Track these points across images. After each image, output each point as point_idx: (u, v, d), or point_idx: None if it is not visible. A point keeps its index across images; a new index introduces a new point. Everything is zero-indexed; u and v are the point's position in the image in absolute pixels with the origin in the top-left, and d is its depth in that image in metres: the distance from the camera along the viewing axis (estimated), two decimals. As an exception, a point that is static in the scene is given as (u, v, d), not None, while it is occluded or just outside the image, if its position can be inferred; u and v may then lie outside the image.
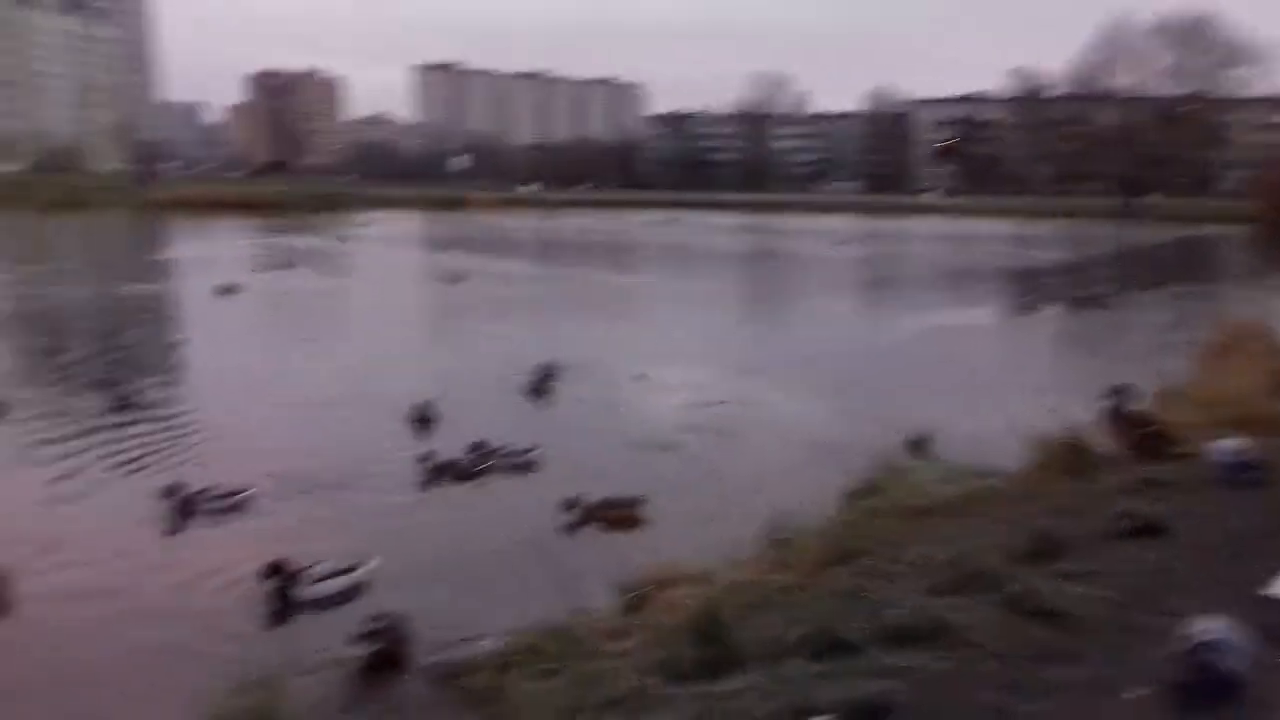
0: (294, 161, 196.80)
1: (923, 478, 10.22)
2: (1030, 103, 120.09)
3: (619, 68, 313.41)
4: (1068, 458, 9.92)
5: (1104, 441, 10.66)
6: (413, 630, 7.17)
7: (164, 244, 51.51)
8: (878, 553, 7.37)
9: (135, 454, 12.54)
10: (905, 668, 5.17)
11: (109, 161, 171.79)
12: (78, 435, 13.38)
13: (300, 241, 51.70)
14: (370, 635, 7.02)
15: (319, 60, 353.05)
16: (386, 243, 56.40)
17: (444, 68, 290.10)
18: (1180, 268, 47.16)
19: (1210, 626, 4.68)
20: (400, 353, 20.91)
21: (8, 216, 65.71)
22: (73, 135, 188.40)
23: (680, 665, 5.71)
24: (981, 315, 27.95)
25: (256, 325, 25.01)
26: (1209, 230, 67.90)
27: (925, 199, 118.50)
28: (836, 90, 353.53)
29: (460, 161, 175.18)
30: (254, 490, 10.70)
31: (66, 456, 12.39)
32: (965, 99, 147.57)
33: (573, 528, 10.20)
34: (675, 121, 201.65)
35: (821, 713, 4.65)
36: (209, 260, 41.03)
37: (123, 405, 14.73)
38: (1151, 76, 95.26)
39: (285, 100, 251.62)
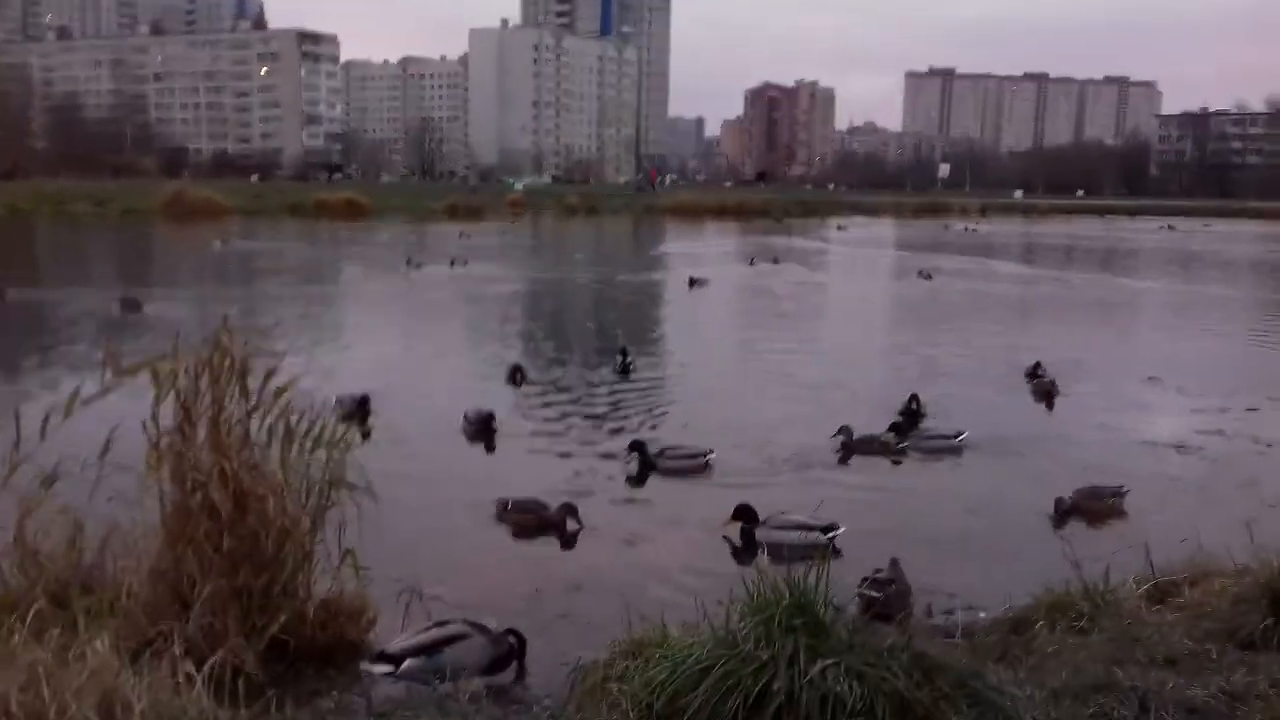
0: (781, 171, 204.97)
1: None
2: None
3: (1130, 66, 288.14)
4: None
5: None
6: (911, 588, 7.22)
7: (660, 242, 56.27)
8: None
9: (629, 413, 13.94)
10: None
11: (624, 172, 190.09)
12: (583, 396, 15.04)
13: (780, 241, 53.85)
14: (875, 584, 7.07)
15: (814, 72, 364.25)
16: (862, 244, 57.17)
17: (934, 74, 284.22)
18: None
19: None
20: (879, 343, 21.00)
21: (539, 219, 75.73)
22: (593, 149, 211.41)
23: (1245, 634, 5.44)
24: None
25: (739, 311, 26.43)
26: None
27: None
28: None
29: (943, 169, 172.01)
30: (713, 453, 11.25)
31: (566, 416, 13.89)
32: None
33: (1062, 515, 9.53)
34: (1193, 122, 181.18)
35: None
36: (697, 256, 45.09)
37: (623, 371, 16.36)
38: None
39: (777, 113, 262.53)
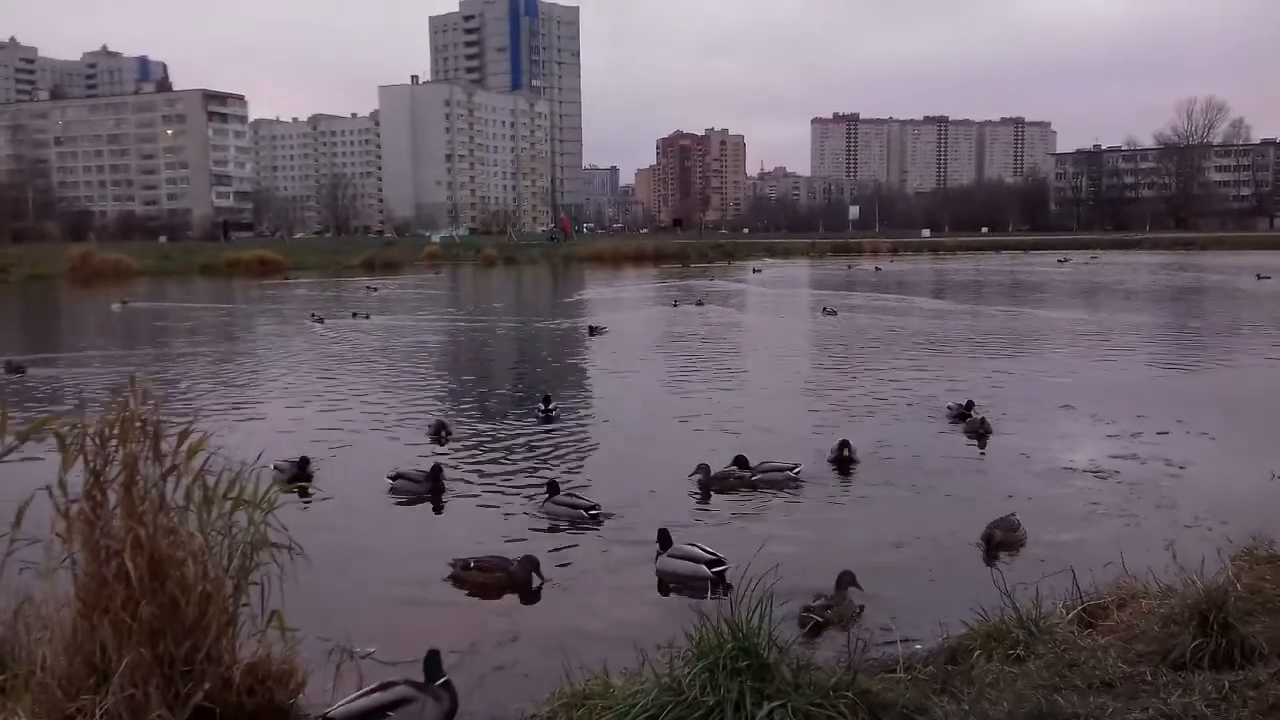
0: (696, 217, 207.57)
1: None
2: None
3: (1025, 108, 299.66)
4: None
5: None
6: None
7: (580, 289, 56.44)
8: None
9: (545, 457, 13.81)
10: None
11: (541, 222, 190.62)
12: (509, 447, 14.91)
13: (700, 284, 54.52)
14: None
15: (724, 120, 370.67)
16: (779, 284, 58.09)
17: (839, 119, 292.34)
18: None
19: None
20: (803, 381, 21.14)
21: (456, 271, 75.41)
22: (509, 200, 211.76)
23: (1176, 655, 5.52)
24: None
25: (663, 354, 26.50)
26: None
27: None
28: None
29: (853, 211, 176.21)
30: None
31: (494, 466, 13.79)
32: None
33: (992, 546, 9.52)
34: (1087, 159, 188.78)
35: None
36: (618, 300, 46.14)
37: (546, 419, 16.26)
38: None
39: (689, 161, 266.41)
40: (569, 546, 9.86)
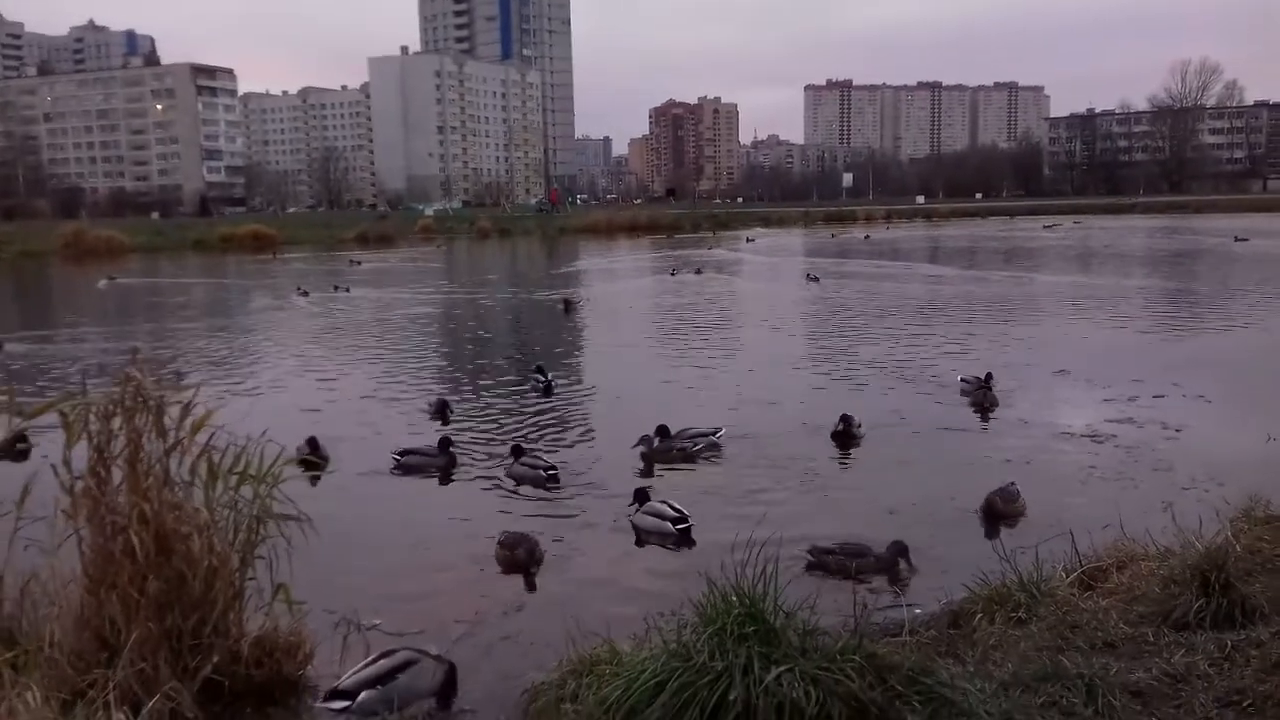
0: (690, 186, 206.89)
1: None
2: None
3: (1018, 72, 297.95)
4: None
5: None
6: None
7: (575, 260, 56.34)
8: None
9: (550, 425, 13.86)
10: None
11: (534, 193, 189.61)
12: (509, 422, 14.92)
13: (695, 254, 54.42)
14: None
15: (717, 89, 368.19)
16: (774, 252, 58.05)
17: (833, 86, 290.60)
18: None
19: None
20: (804, 349, 21.15)
21: (451, 244, 75.18)
22: (501, 172, 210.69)
23: (1178, 616, 5.60)
24: None
25: (663, 323, 26.49)
26: None
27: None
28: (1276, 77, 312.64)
29: (847, 178, 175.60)
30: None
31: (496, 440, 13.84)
32: None
33: (989, 516, 9.49)
34: (1081, 123, 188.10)
35: None
36: (614, 271, 46.32)
37: (545, 391, 16.21)
38: None
39: (682, 130, 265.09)
40: (574, 515, 9.93)
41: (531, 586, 8.02)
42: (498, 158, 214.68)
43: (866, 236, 70.80)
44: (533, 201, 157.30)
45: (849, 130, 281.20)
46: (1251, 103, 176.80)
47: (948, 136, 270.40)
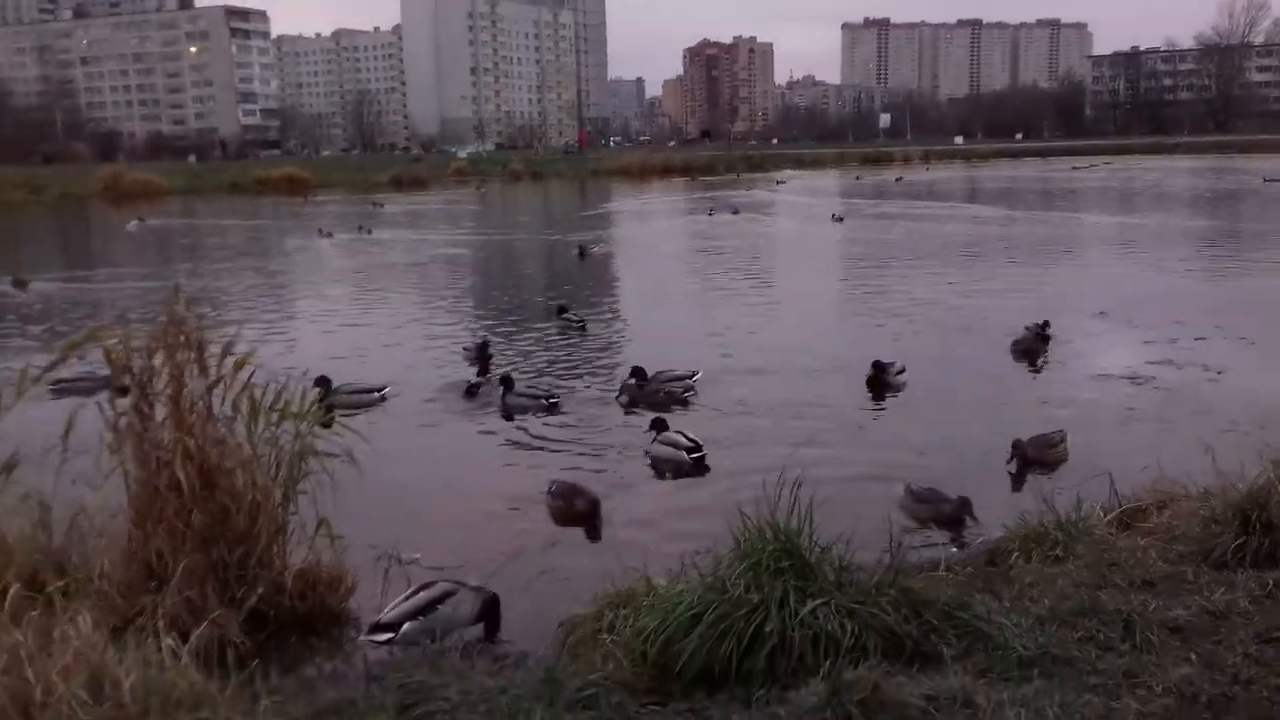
0: (724, 128, 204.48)
1: None
2: None
3: (1060, 8, 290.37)
4: None
5: None
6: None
7: (602, 202, 56.11)
8: None
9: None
10: None
11: (567, 136, 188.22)
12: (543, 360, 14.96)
13: (732, 195, 53.96)
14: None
15: (752, 28, 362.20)
16: (811, 194, 57.44)
17: (870, 24, 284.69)
18: None
19: None
20: (839, 292, 21.01)
21: (484, 186, 75.00)
22: (535, 115, 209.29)
23: (1218, 555, 5.59)
24: None
25: (702, 264, 26.40)
26: None
27: None
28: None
29: (884, 119, 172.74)
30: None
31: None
32: None
33: (1019, 460, 9.24)
34: (1125, 61, 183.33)
35: None
36: (650, 212, 46.21)
37: (579, 328, 16.41)
38: None
39: (716, 71, 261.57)
40: (608, 451, 10.00)
41: (592, 533, 8.03)
42: (530, 100, 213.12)
43: (899, 179, 69.58)
44: (565, 144, 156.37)
45: (886, 70, 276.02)
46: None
47: (988, 76, 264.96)
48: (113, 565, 5.45)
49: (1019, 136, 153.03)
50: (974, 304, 18.25)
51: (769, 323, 17.24)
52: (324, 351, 14.86)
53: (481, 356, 14.10)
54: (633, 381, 11.92)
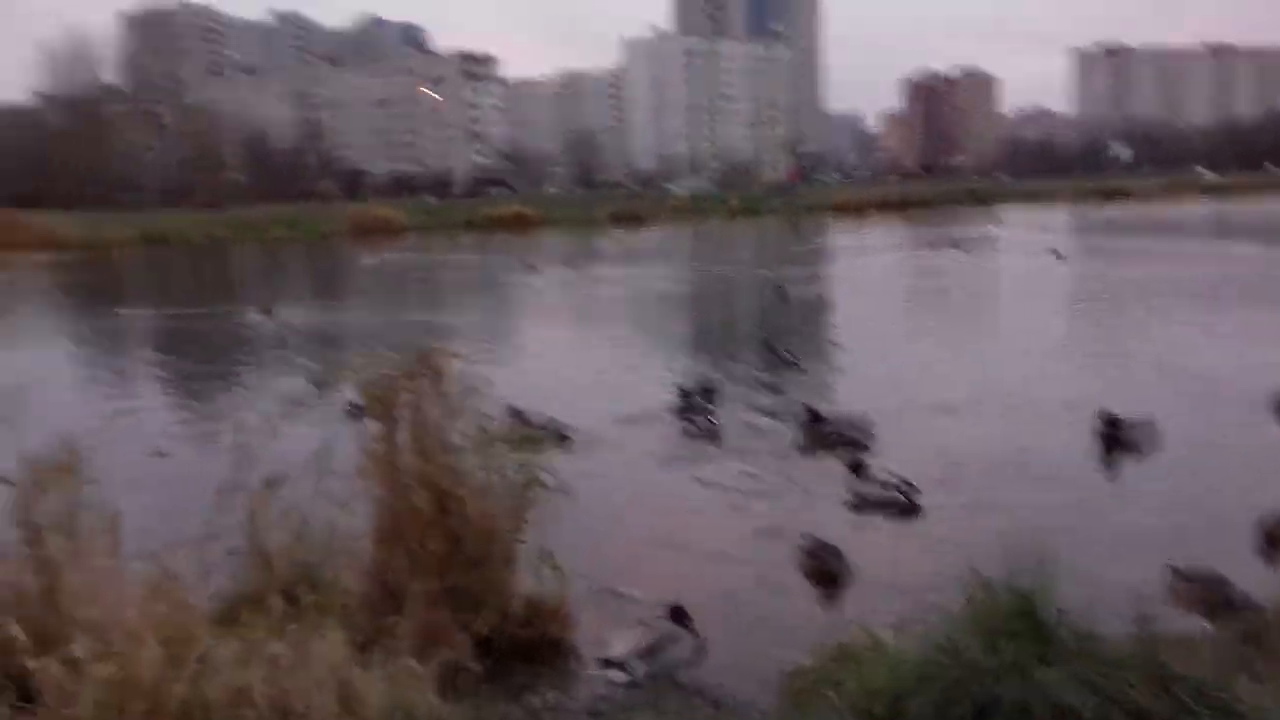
0: (945, 162, 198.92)
1: None
2: None
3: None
4: None
5: None
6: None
7: (817, 237, 55.65)
8: None
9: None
10: None
11: (781, 172, 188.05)
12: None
13: (955, 231, 52.30)
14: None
15: (975, 57, 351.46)
16: (1026, 228, 54.71)
17: (1105, 51, 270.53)
18: None
19: None
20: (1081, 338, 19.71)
21: (707, 224, 76.10)
22: (749, 151, 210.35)
23: None
24: None
25: (929, 303, 25.76)
26: None
27: None
28: None
29: (1120, 150, 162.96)
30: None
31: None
32: None
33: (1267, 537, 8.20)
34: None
35: None
36: (854, 249, 45.57)
37: (789, 362, 16.37)
38: None
39: (937, 103, 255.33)
40: (794, 491, 9.85)
41: (781, 566, 7.91)
42: (745, 136, 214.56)
43: (1129, 216, 64.67)
44: (776, 180, 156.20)
45: (1123, 98, 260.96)
46: None
47: (1239, 103, 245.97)
48: (357, 583, 5.80)
49: (1272, 167, 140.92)
50: (1225, 353, 16.78)
51: (976, 364, 16.51)
52: (534, 384, 15.17)
53: (704, 396, 13.48)
54: (809, 421, 11.64)
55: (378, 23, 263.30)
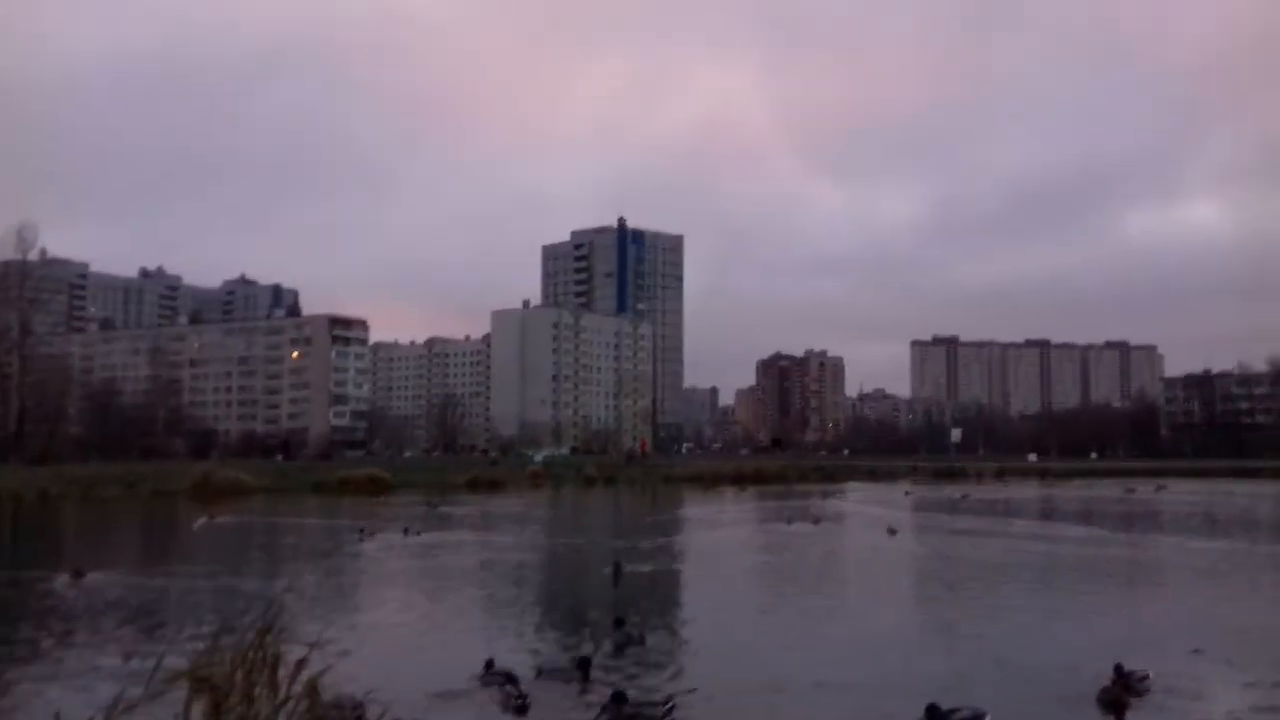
0: (795, 437, 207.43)
1: None
2: None
3: (1129, 331, 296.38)
4: None
5: None
6: None
7: (674, 508, 56.38)
8: None
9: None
10: None
11: (636, 442, 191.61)
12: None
13: (803, 504, 53.95)
14: None
15: (824, 341, 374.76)
16: (884, 506, 57.10)
17: (939, 342, 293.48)
18: None
19: None
20: (908, 623, 20.26)
21: (560, 491, 76.37)
22: (611, 419, 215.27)
23: None
24: None
25: (780, 575, 26.12)
26: None
27: None
28: None
29: (955, 434, 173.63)
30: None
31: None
32: None
33: None
34: (1198, 384, 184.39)
35: None
36: (722, 521, 46.30)
37: (639, 642, 16.16)
38: None
39: (788, 382, 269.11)
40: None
41: None
42: (607, 406, 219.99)
43: (964, 496, 68.13)
44: (633, 449, 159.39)
45: (956, 385, 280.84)
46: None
47: (1058, 393, 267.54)
48: None
49: (1094, 455, 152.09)
50: (1049, 636, 17.47)
51: (815, 643, 16.80)
52: (347, 658, 14.42)
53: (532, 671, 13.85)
54: (612, 703, 11.82)
55: (246, 283, 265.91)
